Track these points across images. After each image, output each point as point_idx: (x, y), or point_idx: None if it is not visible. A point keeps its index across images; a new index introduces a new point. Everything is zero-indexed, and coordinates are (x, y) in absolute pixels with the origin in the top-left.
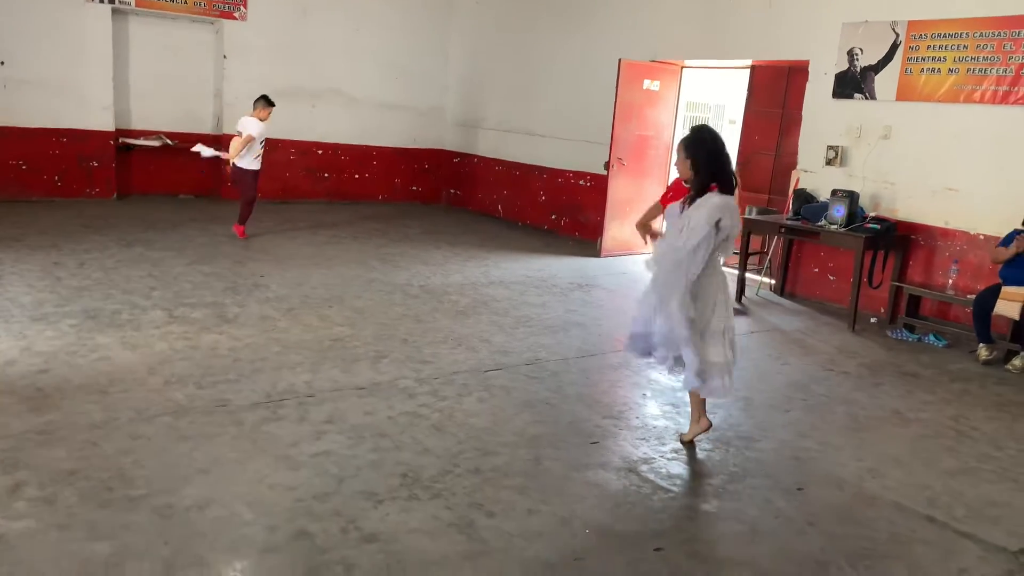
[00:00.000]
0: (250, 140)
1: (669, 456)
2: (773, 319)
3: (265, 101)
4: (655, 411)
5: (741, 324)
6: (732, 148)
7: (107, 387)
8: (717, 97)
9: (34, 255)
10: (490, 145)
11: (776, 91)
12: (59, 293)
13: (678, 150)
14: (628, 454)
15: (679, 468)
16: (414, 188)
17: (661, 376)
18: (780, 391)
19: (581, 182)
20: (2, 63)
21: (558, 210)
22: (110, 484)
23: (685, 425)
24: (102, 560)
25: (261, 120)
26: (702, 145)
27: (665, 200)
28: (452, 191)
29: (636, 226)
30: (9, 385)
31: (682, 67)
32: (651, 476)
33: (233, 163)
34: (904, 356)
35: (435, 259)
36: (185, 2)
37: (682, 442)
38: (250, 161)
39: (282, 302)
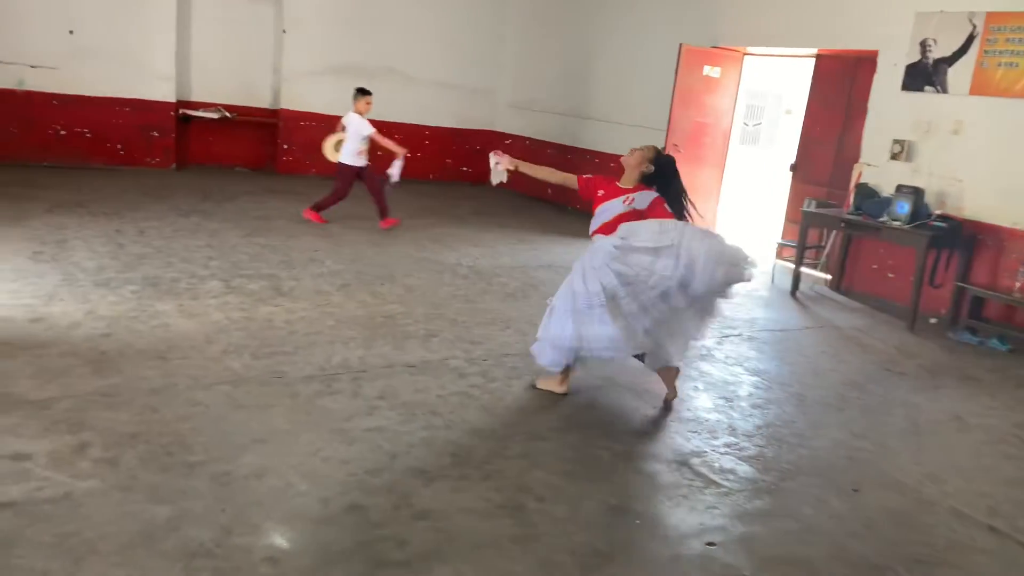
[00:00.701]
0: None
1: (721, 450)
2: (829, 315)
3: (361, 92)
4: (707, 404)
5: (796, 319)
6: (792, 138)
7: (166, 353)
8: (774, 86)
9: (97, 221)
10: (542, 127)
11: (841, 81)
12: (121, 260)
13: (647, 149)
14: (679, 446)
15: (731, 463)
16: (465, 169)
17: (713, 369)
18: (835, 389)
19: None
20: (71, 32)
21: None
22: (170, 449)
23: (739, 420)
24: (163, 522)
25: (361, 113)
26: (672, 163)
27: (596, 195)
28: None
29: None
30: (73, 347)
31: (744, 54)
32: (703, 470)
33: (339, 160)
34: (966, 359)
35: (485, 240)
36: None
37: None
38: (353, 157)
39: (336, 277)
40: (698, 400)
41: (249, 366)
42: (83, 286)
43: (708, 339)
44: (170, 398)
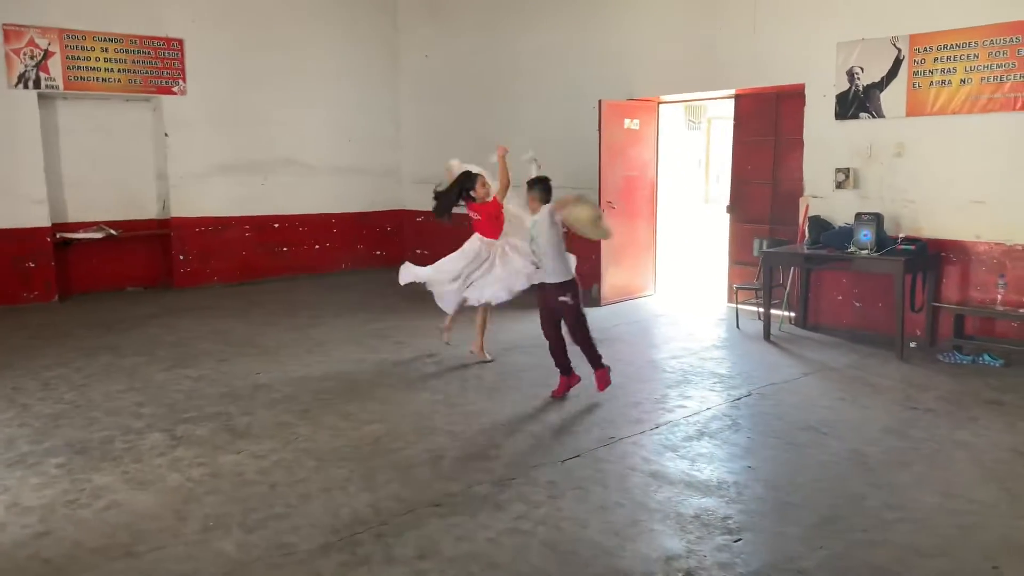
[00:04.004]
0: None
1: (836, 541)
2: (814, 355)
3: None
4: (782, 483)
5: (789, 367)
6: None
7: (133, 546)
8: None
9: None
10: None
11: (766, 118)
12: (31, 425)
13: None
14: (789, 550)
15: (857, 556)
16: (378, 252)
17: (753, 443)
18: (883, 441)
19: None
20: None
21: None
22: None
23: (824, 499)
24: None
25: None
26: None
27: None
28: (419, 251)
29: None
30: (7, 559)
31: (658, 103)
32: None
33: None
34: (973, 382)
35: (432, 329)
36: (118, 80)
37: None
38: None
39: (292, 402)
40: (764, 483)
41: (245, 544)
42: None
43: (723, 405)
44: None
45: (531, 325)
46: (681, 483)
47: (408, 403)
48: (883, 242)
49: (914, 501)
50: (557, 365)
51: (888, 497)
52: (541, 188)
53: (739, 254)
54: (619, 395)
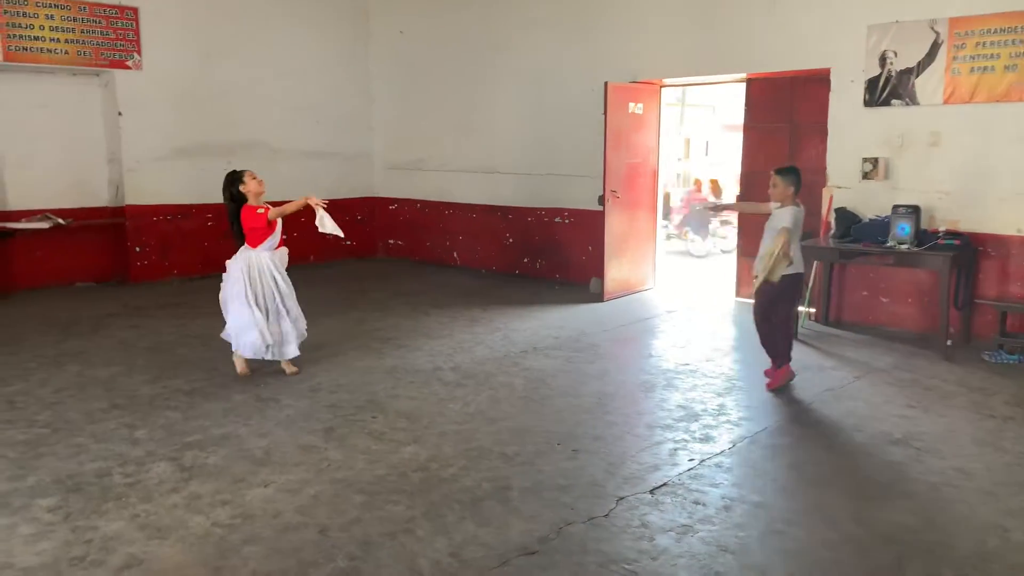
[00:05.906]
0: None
1: None
2: (852, 355)
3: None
4: (905, 515)
5: (836, 370)
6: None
7: None
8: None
9: None
10: (434, 187)
11: (780, 103)
12: (6, 456)
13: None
14: None
15: None
16: (348, 242)
17: (853, 455)
18: (982, 457)
19: (557, 219)
20: None
21: (532, 253)
22: None
23: (968, 530)
24: None
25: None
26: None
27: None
28: (390, 241)
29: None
30: None
31: (660, 86)
32: None
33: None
34: None
35: (435, 329)
36: (65, 52)
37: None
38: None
39: (309, 420)
40: (889, 511)
41: None
42: None
43: (791, 415)
44: None
45: (538, 324)
46: (829, 523)
47: (441, 419)
48: (922, 236)
49: None
50: (771, 355)
51: None
52: (796, 177)
53: (749, 247)
54: (666, 405)
